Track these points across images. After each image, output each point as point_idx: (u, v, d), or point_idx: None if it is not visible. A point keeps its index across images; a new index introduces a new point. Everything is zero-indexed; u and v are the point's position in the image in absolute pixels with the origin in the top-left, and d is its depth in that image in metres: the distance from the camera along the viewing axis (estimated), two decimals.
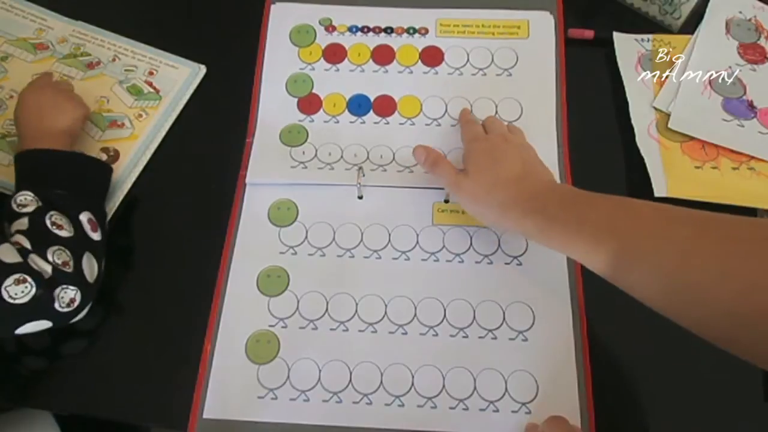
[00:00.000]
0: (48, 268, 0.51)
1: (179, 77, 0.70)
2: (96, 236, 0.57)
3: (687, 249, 0.44)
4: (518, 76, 0.70)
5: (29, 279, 0.50)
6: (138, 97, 0.69)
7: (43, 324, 0.52)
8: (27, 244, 0.52)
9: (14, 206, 0.54)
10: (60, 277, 0.52)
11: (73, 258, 0.53)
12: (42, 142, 0.59)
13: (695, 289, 0.43)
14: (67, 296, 0.52)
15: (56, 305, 0.52)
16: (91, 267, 0.55)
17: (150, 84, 0.70)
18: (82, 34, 0.73)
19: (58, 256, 0.52)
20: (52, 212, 0.54)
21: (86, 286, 0.54)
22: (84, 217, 0.56)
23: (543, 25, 0.72)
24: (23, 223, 0.53)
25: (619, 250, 0.47)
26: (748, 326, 0.40)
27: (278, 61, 0.71)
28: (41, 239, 0.52)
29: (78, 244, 0.54)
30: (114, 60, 0.71)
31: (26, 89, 0.63)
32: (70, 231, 0.54)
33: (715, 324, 0.43)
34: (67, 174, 0.59)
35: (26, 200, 0.54)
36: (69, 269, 0.52)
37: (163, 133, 0.68)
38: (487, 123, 0.65)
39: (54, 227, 0.53)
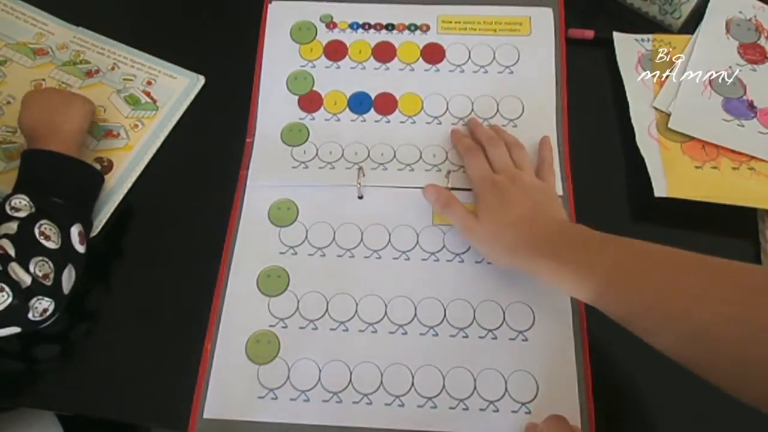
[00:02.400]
0: (28, 280, 0.50)
1: (177, 87, 0.70)
2: (82, 249, 0.56)
3: (696, 295, 0.44)
4: (520, 73, 0.70)
5: (6, 288, 0.49)
6: (135, 107, 0.68)
7: (11, 330, 0.52)
8: (11, 251, 0.51)
9: (7, 208, 0.53)
10: (37, 289, 0.51)
11: (55, 270, 0.53)
12: (51, 142, 0.58)
13: (704, 334, 0.43)
14: (41, 306, 0.52)
15: (30, 315, 0.51)
16: (69, 279, 0.54)
17: (148, 94, 0.69)
18: (83, 41, 0.72)
19: (40, 267, 0.52)
20: (43, 221, 0.53)
21: (61, 297, 0.53)
22: (75, 230, 0.56)
23: (544, 22, 0.72)
24: (11, 228, 0.52)
25: (629, 297, 0.48)
26: (756, 372, 0.41)
27: (279, 59, 0.71)
28: (26, 248, 0.52)
29: (62, 256, 0.54)
30: (113, 69, 0.70)
31: (29, 92, 0.62)
32: (57, 243, 0.54)
33: (724, 369, 0.43)
34: (68, 182, 0.58)
35: (20, 204, 0.54)
36: (48, 282, 0.52)
37: (162, 137, 0.67)
38: (491, 154, 0.62)
39: (42, 237, 0.53)
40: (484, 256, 0.60)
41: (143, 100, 0.69)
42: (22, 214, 0.53)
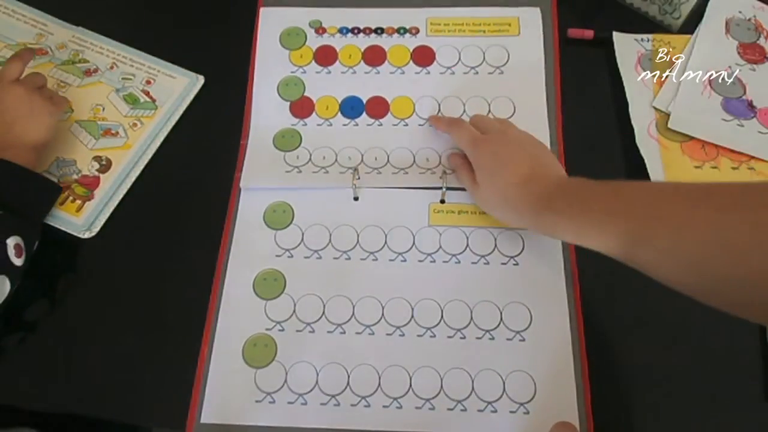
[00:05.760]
0: None
1: (176, 87, 0.70)
2: (18, 262, 0.54)
3: (681, 223, 0.45)
4: (510, 74, 0.69)
5: None
6: (134, 106, 0.69)
7: None
8: None
9: None
10: None
11: None
12: (7, 151, 0.56)
13: (694, 261, 0.44)
14: None
15: None
16: (2, 290, 0.53)
17: (147, 93, 0.69)
18: (82, 41, 0.73)
19: None
20: None
21: None
22: (11, 242, 0.53)
23: (533, 22, 0.72)
24: None
25: (622, 234, 0.48)
26: (749, 289, 0.41)
27: (270, 65, 0.71)
28: None
29: None
30: (112, 68, 0.71)
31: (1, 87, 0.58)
32: None
33: (719, 291, 0.44)
34: (13, 191, 0.56)
35: None
36: None
37: (160, 140, 0.67)
38: (476, 122, 0.64)
39: None
40: (495, 218, 0.59)
41: (142, 99, 0.69)
42: None
